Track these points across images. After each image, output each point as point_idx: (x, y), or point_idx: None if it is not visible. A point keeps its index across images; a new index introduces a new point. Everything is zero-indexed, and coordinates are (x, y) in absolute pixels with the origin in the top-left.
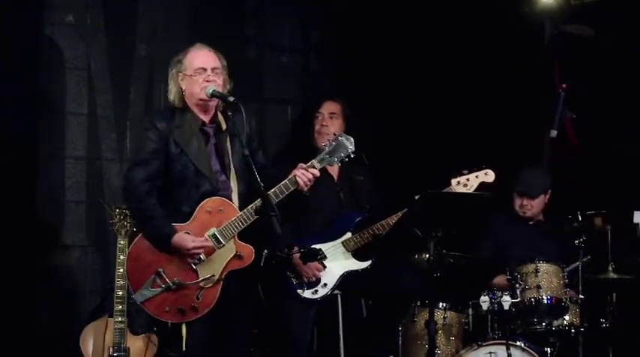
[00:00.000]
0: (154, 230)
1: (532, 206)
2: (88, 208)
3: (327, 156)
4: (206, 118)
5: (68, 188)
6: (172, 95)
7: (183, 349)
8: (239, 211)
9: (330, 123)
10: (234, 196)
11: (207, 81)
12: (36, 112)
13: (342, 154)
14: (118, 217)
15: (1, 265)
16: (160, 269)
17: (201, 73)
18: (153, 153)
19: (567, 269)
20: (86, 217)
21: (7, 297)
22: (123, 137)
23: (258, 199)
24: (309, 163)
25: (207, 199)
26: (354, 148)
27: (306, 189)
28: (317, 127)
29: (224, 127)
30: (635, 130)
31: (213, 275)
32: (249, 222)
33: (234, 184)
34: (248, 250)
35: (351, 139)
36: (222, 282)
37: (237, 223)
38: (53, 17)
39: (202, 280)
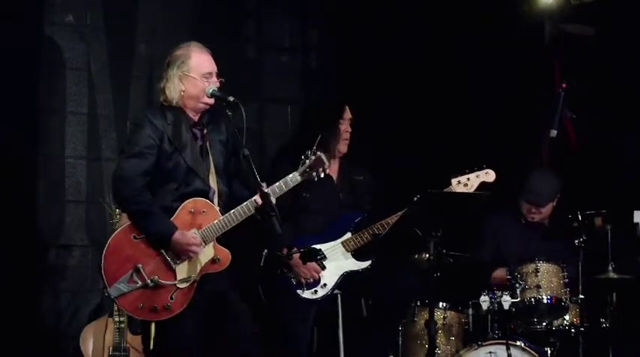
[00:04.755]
0: (154, 226)
1: (541, 213)
2: (88, 208)
3: (308, 169)
4: (196, 119)
5: (68, 188)
6: (173, 94)
7: (151, 347)
8: (220, 215)
9: (350, 129)
10: (215, 198)
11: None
12: (36, 112)
13: (320, 170)
14: (118, 217)
15: (1, 265)
16: (140, 265)
17: (208, 77)
18: (149, 148)
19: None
20: (86, 217)
21: (7, 297)
22: (123, 137)
23: (239, 206)
24: (290, 176)
25: (191, 199)
26: (327, 168)
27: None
28: (343, 133)
29: (207, 129)
30: (635, 129)
31: (190, 277)
32: (229, 227)
33: (214, 185)
34: (225, 254)
35: (325, 155)
36: (196, 284)
37: (218, 228)
38: (53, 17)
39: (180, 281)
